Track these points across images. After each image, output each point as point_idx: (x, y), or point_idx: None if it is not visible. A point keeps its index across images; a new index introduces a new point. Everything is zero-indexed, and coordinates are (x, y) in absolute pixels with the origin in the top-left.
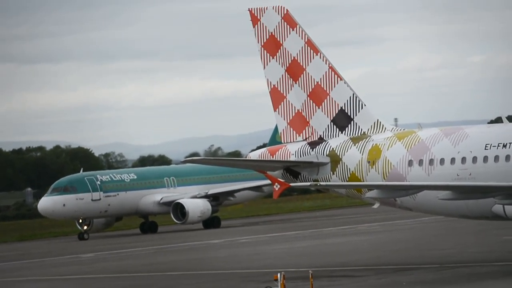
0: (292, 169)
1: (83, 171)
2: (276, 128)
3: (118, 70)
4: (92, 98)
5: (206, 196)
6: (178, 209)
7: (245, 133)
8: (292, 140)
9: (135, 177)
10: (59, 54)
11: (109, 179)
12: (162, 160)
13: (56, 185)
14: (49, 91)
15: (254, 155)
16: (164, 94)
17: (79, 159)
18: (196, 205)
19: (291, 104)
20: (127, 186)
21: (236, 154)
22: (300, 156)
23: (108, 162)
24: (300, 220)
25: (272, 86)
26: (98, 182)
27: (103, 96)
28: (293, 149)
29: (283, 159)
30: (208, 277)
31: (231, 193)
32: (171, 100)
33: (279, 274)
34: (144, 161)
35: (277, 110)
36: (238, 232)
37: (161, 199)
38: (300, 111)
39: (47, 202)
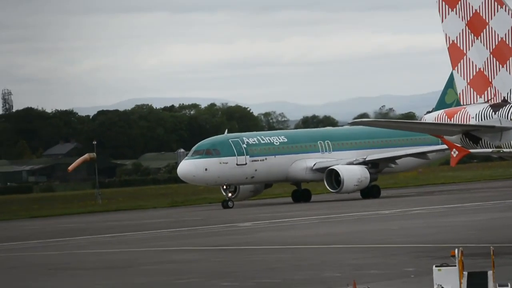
0: (472, 134)
1: (234, 131)
2: (445, 89)
3: (281, 22)
4: (251, 52)
5: (364, 163)
6: (333, 176)
7: (419, 94)
8: (472, 102)
9: (286, 140)
10: (215, 2)
11: (256, 142)
12: (328, 122)
13: (197, 148)
14: (204, 43)
15: (430, 118)
16: (331, 49)
17: (236, 119)
18: (352, 172)
19: (472, 62)
20: (276, 150)
21: (410, 116)
22: (481, 119)
23: (268, 122)
24: (480, 191)
25: (450, 42)
26: (244, 145)
27: (263, 50)
28: (473, 112)
29: (462, 123)
30: (376, 251)
31: (392, 159)
32: (338, 55)
33: (456, 250)
34: (308, 122)
35: (456, 68)
36: (410, 202)
37: (314, 165)
38: (481, 70)
39: (188, 166)
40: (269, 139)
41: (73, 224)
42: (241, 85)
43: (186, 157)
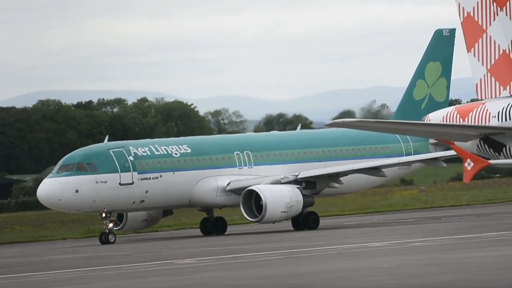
0: (492, 139)
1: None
2: (413, 81)
3: None
4: (196, 29)
5: (296, 181)
6: (253, 200)
7: None
8: (493, 96)
9: (189, 150)
10: None
11: (148, 153)
12: (299, 122)
13: (66, 161)
14: (133, 16)
15: (436, 117)
16: (304, 24)
17: (174, 119)
18: (279, 194)
19: (494, 42)
20: (175, 164)
21: None
22: (506, 119)
23: (219, 123)
24: (504, 216)
25: (465, 15)
26: (131, 157)
27: (213, 25)
28: (494, 109)
29: (480, 124)
30: None
31: (333, 176)
32: (314, 32)
33: None
34: (272, 123)
35: (471, 50)
36: (408, 232)
37: (228, 184)
38: (507, 52)
39: (51, 186)
40: (165, 149)
41: None
42: (182, 73)
43: (50, 174)
